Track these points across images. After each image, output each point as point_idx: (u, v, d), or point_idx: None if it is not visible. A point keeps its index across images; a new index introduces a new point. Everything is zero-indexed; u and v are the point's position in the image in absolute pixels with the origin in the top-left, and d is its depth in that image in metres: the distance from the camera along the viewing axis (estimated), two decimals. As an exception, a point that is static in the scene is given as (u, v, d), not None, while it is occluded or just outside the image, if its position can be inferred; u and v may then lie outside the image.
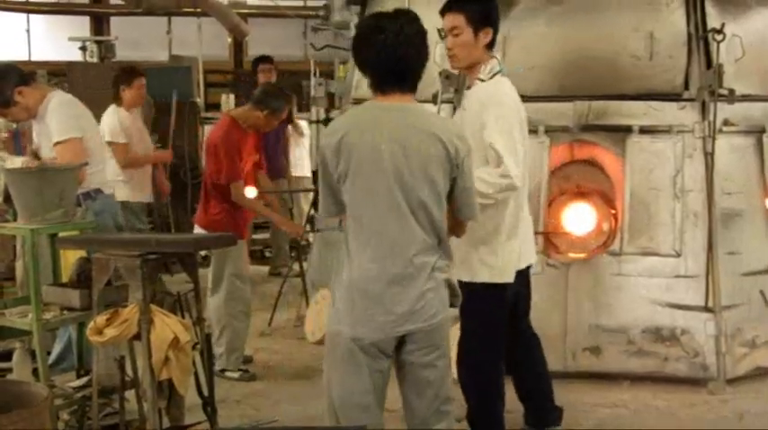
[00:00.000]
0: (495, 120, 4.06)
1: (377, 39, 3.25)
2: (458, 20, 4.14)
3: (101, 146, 5.46)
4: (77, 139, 5.13)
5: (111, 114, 7.22)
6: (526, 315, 4.59)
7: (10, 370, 4.73)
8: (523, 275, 4.39)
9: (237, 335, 5.81)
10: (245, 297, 5.84)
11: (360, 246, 3.26)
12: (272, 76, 8.83)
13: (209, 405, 4.25)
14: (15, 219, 4.94)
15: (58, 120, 5.13)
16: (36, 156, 5.38)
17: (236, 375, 5.74)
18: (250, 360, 6.09)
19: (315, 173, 9.12)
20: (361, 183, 3.23)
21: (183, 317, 4.32)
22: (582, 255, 5.62)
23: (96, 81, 10.49)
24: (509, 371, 4.52)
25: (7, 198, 5.51)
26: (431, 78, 5.94)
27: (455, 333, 5.62)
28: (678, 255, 5.57)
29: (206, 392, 4.26)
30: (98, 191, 5.32)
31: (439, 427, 3.40)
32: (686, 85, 5.68)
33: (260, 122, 5.86)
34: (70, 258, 4.82)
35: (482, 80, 4.20)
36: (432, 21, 6.04)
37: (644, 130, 5.60)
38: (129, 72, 7.48)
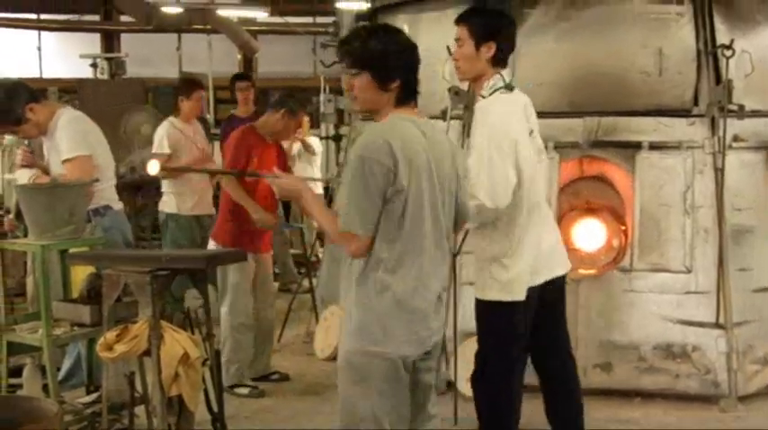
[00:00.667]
0: (475, 143, 4.08)
1: (412, 53, 3.32)
2: (462, 32, 4.16)
3: (110, 162, 5.47)
4: (86, 157, 5.15)
5: (163, 125, 7.26)
6: (556, 328, 4.44)
7: (20, 385, 4.74)
8: (550, 289, 4.27)
9: (238, 347, 5.74)
10: (246, 309, 5.78)
11: (406, 263, 3.19)
12: (250, 94, 8.36)
13: (218, 421, 4.25)
14: (26, 236, 4.96)
15: (67, 138, 5.15)
16: (45, 172, 5.40)
17: (245, 391, 5.72)
18: (285, 377, 6.08)
19: (326, 189, 9.12)
20: (416, 198, 3.17)
21: (192, 333, 4.33)
22: (592, 272, 5.61)
23: (107, 98, 10.56)
24: (542, 388, 4.46)
25: (19, 214, 5.54)
26: (440, 94, 5.98)
27: (471, 346, 5.62)
28: (689, 272, 5.55)
29: (215, 408, 4.25)
30: (107, 207, 5.33)
31: (430, 428, 3.50)
32: (696, 101, 5.67)
33: (278, 126, 5.87)
34: (80, 274, 4.83)
35: (483, 96, 4.19)
36: (441, 37, 6.09)
37: (654, 146, 5.59)
38: (189, 84, 7.43)
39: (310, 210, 3.37)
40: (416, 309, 3.22)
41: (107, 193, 5.36)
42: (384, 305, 3.18)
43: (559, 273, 4.32)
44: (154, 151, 7.09)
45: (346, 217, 3.13)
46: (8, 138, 6.96)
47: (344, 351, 3.22)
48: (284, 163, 5.99)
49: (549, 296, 4.27)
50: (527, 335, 4.25)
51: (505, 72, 4.27)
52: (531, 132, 4.21)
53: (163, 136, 7.11)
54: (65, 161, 5.13)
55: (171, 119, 7.26)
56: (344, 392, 3.25)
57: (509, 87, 4.18)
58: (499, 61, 4.17)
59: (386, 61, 3.20)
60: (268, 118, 5.90)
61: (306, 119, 8.91)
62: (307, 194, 3.34)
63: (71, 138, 5.14)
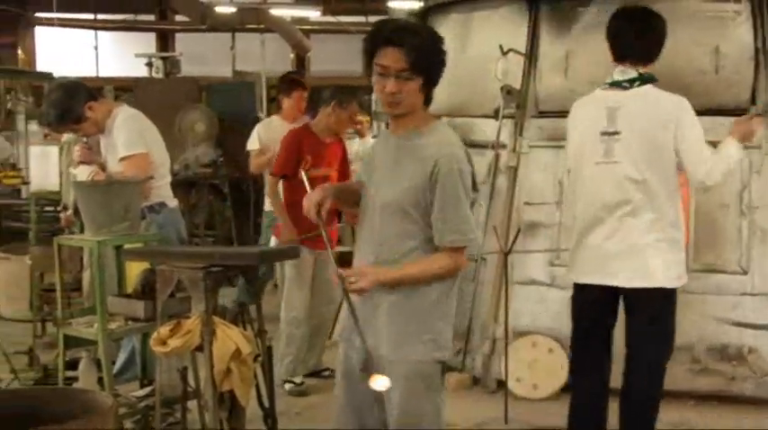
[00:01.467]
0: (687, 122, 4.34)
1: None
2: None
3: (165, 159, 5.53)
4: (143, 154, 5.21)
5: (261, 123, 7.37)
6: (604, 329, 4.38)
7: (76, 378, 4.81)
8: (606, 294, 4.23)
9: (291, 340, 5.78)
10: (300, 304, 5.81)
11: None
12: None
13: (269, 417, 4.28)
14: (82, 232, 5.03)
15: (124, 136, 5.22)
16: (103, 168, 5.48)
17: (287, 388, 5.75)
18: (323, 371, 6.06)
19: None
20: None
21: (245, 328, 4.36)
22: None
23: (162, 96, 10.68)
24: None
25: (77, 210, 5.62)
26: (492, 94, 5.96)
27: (522, 345, 5.60)
28: (745, 273, 5.47)
29: (267, 404, 4.28)
30: (162, 204, 5.38)
31: None
32: (753, 100, 5.58)
33: (330, 120, 5.88)
34: (134, 270, 4.89)
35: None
36: (494, 36, 6.07)
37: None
38: (289, 82, 7.37)
39: (400, 282, 3.03)
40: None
41: (162, 191, 5.42)
42: (454, 312, 3.17)
43: (592, 280, 4.25)
44: (247, 148, 7.18)
45: (462, 231, 3.01)
46: (66, 135, 7.06)
47: (415, 361, 3.04)
48: (344, 161, 6.00)
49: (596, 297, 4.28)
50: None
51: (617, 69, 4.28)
52: (612, 133, 4.16)
53: (255, 132, 7.17)
54: (122, 158, 5.21)
55: (273, 117, 7.30)
56: (414, 407, 3.05)
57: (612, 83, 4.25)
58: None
59: (442, 71, 3.11)
60: (321, 115, 5.92)
61: (365, 118, 8.87)
62: (385, 277, 3.01)
63: (128, 136, 5.21)
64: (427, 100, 3.11)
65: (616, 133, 4.16)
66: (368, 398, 3.08)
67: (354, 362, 3.12)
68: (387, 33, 2.98)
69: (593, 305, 4.31)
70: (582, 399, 4.46)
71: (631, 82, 4.22)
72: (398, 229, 3.05)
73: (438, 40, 3.10)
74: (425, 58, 3.00)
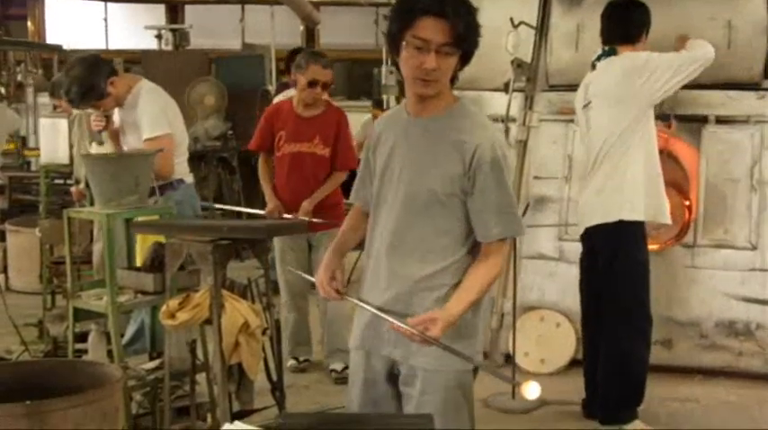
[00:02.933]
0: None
1: None
2: None
3: (184, 136, 5.49)
4: (167, 135, 5.17)
5: (280, 97, 7.30)
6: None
7: (86, 351, 4.84)
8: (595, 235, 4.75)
9: (286, 323, 5.59)
10: (281, 286, 5.71)
11: None
12: None
13: (277, 390, 4.30)
14: (92, 205, 5.04)
15: (148, 116, 5.16)
16: (116, 136, 5.44)
17: (289, 364, 5.67)
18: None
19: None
20: None
21: (253, 302, 4.38)
22: (654, 247, 5.53)
23: (171, 68, 10.65)
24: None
25: (88, 184, 5.62)
26: (503, 67, 5.93)
27: (530, 320, 5.61)
28: (754, 248, 5.46)
29: (275, 377, 4.30)
30: (180, 181, 5.36)
31: None
32: (766, 74, 5.55)
33: (299, 91, 5.60)
34: (146, 242, 4.90)
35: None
36: (504, 9, 6.03)
37: (721, 120, 5.50)
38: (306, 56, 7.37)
39: (469, 308, 2.75)
40: None
41: (181, 167, 5.39)
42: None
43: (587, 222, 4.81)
44: None
45: (515, 222, 2.79)
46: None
47: (455, 370, 2.79)
48: (340, 137, 5.58)
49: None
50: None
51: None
52: (586, 105, 4.87)
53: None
54: (146, 140, 5.17)
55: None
56: (452, 419, 2.83)
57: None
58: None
59: (478, 45, 2.79)
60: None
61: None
62: (456, 315, 2.70)
63: (153, 117, 5.15)
64: (453, 79, 2.81)
65: (589, 103, 4.82)
66: (390, 408, 2.92)
67: (379, 371, 2.91)
68: (427, 1, 2.63)
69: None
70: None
71: (598, 59, 4.88)
72: (429, 223, 2.77)
73: (475, 10, 2.76)
74: (469, 31, 2.69)
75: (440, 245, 2.78)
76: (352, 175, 3.34)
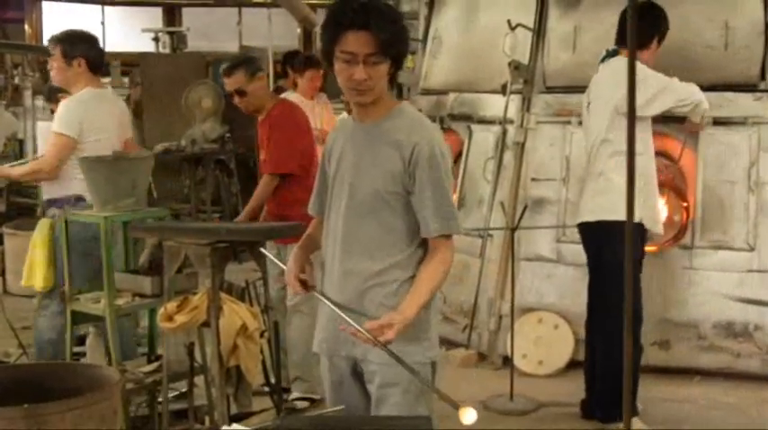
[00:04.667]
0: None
1: None
2: None
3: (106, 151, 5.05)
4: (68, 138, 4.99)
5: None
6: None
7: (84, 353, 4.84)
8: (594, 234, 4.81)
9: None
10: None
11: None
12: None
13: (275, 392, 4.30)
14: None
15: (65, 111, 5.07)
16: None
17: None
18: None
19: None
20: None
21: (251, 305, 4.38)
22: (652, 248, 5.54)
23: (168, 71, 10.66)
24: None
25: None
26: (500, 69, 5.94)
27: (528, 322, 5.61)
28: (752, 250, 5.46)
29: (273, 380, 4.30)
30: (81, 199, 5.04)
31: None
32: (762, 76, 5.55)
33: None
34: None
35: None
36: (502, 11, 6.04)
37: (718, 122, 5.49)
38: (303, 61, 7.26)
39: (416, 312, 2.77)
40: None
41: (82, 184, 5.00)
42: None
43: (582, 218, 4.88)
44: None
45: (452, 218, 2.85)
46: None
47: (411, 363, 2.77)
48: (266, 140, 5.11)
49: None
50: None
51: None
52: (587, 105, 4.88)
53: None
54: (52, 131, 5.13)
55: (290, 92, 7.12)
56: (411, 411, 2.88)
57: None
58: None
59: (408, 50, 2.96)
60: None
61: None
62: (411, 316, 2.74)
63: (67, 114, 5.04)
64: (391, 82, 2.89)
65: (589, 104, 4.89)
66: (361, 405, 2.96)
67: (344, 371, 2.97)
68: (350, 16, 2.72)
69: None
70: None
71: (602, 60, 4.93)
72: (375, 222, 2.85)
73: (400, 17, 2.87)
74: (394, 38, 2.76)
75: (388, 242, 2.87)
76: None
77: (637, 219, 4.68)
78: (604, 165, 4.73)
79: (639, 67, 4.71)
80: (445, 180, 2.85)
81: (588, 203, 4.84)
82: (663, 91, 4.73)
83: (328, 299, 2.89)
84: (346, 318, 2.75)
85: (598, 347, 4.78)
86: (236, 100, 5.12)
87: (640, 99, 4.66)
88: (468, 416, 2.51)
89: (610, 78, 4.77)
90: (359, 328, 2.69)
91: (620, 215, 4.63)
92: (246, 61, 5.19)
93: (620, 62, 4.76)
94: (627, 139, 1.74)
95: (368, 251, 2.86)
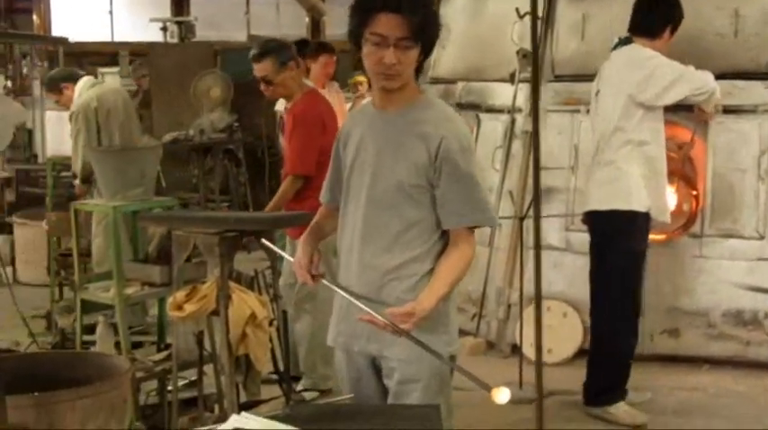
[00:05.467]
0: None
1: None
2: None
3: None
4: None
5: None
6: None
7: (94, 342, 4.86)
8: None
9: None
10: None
11: None
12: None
13: (284, 381, 4.31)
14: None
15: None
16: None
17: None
18: None
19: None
20: None
21: (260, 293, 4.38)
22: (661, 237, 5.53)
23: (176, 61, 10.66)
24: None
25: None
26: (508, 58, 5.92)
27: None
28: (762, 238, 5.44)
29: (282, 368, 4.31)
30: None
31: None
32: (772, 64, 5.52)
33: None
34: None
35: None
36: (509, 0, 6.01)
37: (728, 110, 5.47)
38: (316, 47, 7.23)
39: (434, 305, 2.73)
40: None
41: None
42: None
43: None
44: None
45: (486, 210, 2.82)
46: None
47: (431, 359, 2.73)
48: (290, 132, 4.98)
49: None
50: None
51: None
52: (597, 93, 4.85)
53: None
54: None
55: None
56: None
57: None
58: None
59: (438, 37, 2.84)
60: None
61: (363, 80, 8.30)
62: (430, 306, 2.70)
63: None
64: (418, 71, 2.83)
65: (598, 92, 4.88)
66: (378, 399, 2.93)
67: (361, 366, 2.92)
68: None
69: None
70: None
71: (614, 48, 4.88)
72: (397, 215, 2.79)
73: (431, 2, 2.86)
74: (426, 23, 2.72)
75: (408, 235, 2.80)
76: None
77: (645, 208, 4.68)
78: (615, 154, 4.72)
79: (654, 54, 4.70)
80: (474, 172, 2.79)
81: (596, 192, 4.83)
82: (679, 80, 4.71)
83: (338, 286, 2.86)
84: (362, 305, 2.71)
85: (592, 332, 4.88)
86: (263, 86, 4.98)
87: (656, 88, 4.66)
88: (502, 395, 2.49)
89: (623, 66, 4.75)
90: (376, 315, 2.65)
91: (630, 205, 4.66)
92: (277, 50, 4.93)
93: (634, 50, 4.74)
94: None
95: (388, 244, 2.80)
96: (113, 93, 6.41)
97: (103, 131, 6.06)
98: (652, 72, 4.66)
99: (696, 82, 4.78)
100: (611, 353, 4.79)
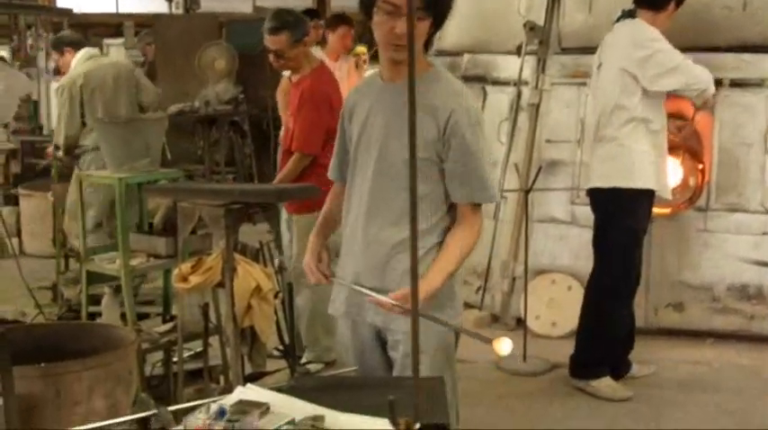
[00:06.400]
0: None
1: None
2: None
3: None
4: None
5: None
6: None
7: (99, 313, 4.87)
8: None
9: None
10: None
11: None
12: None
13: (289, 353, 4.32)
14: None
15: None
16: None
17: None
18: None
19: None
20: None
21: (265, 266, 4.39)
22: (666, 211, 5.52)
23: (182, 32, 10.62)
24: None
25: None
26: (515, 30, 5.89)
27: (541, 283, 5.62)
28: (767, 212, 5.43)
29: (287, 340, 4.32)
30: None
31: None
32: (780, 37, 5.49)
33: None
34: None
35: None
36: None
37: (735, 84, 5.45)
38: (334, 17, 7.22)
39: (442, 281, 2.74)
40: None
41: None
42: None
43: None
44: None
45: (488, 187, 2.79)
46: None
47: (436, 331, 2.76)
48: (297, 109, 4.94)
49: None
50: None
51: None
52: (599, 66, 4.83)
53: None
54: None
55: (315, 48, 6.76)
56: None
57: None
58: None
59: (450, 10, 2.81)
60: None
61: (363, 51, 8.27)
62: (435, 286, 2.72)
63: None
64: (427, 44, 2.82)
65: (600, 65, 4.83)
66: (383, 371, 2.94)
67: (366, 338, 2.92)
68: None
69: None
70: None
71: (618, 20, 4.81)
72: (403, 188, 2.68)
73: None
74: None
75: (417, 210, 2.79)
76: None
77: (649, 185, 4.66)
78: (618, 131, 4.68)
79: (657, 37, 4.65)
80: (481, 148, 2.77)
81: (598, 169, 4.80)
82: (675, 70, 4.64)
83: (350, 283, 2.84)
84: (370, 293, 2.72)
85: (584, 305, 4.87)
86: (272, 58, 4.95)
87: (652, 71, 4.61)
88: (504, 345, 2.47)
89: (625, 43, 4.70)
90: (383, 298, 2.66)
91: (633, 182, 4.64)
92: (294, 25, 4.89)
93: (636, 25, 4.70)
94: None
95: (394, 217, 2.78)
96: (106, 68, 6.39)
97: (87, 108, 6.10)
98: (652, 55, 4.61)
99: (689, 77, 4.68)
100: (602, 328, 4.78)
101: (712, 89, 4.81)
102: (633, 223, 4.71)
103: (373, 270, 2.81)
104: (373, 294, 2.71)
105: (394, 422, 1.75)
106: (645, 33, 4.66)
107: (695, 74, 4.71)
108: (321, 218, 3.09)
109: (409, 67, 1.70)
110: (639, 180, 4.65)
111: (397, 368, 2.88)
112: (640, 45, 4.64)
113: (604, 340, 4.78)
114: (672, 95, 4.85)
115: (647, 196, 4.68)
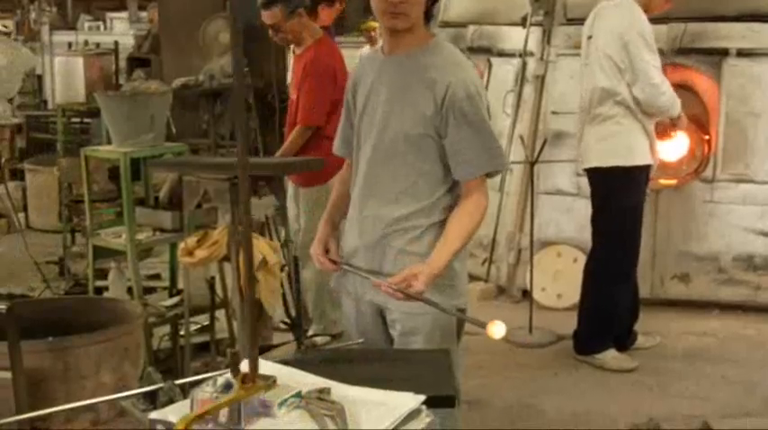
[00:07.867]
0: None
1: None
2: None
3: None
4: None
5: None
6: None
7: (106, 288, 4.89)
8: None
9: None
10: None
11: None
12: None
13: (296, 325, 4.34)
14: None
15: None
16: None
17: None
18: None
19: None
20: None
21: (271, 238, 4.40)
22: (673, 182, 5.51)
23: (186, 5, 10.57)
24: None
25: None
26: (520, 1, 5.85)
27: (547, 255, 5.62)
28: (773, 183, 5.42)
29: (293, 313, 4.33)
30: None
31: None
32: (789, 5, 5.45)
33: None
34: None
35: None
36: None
37: (742, 53, 5.41)
38: None
39: (447, 261, 2.68)
40: None
41: None
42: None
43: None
44: None
45: (498, 155, 2.75)
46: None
47: (433, 312, 2.69)
48: (301, 82, 4.92)
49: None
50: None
51: None
52: (589, 37, 4.73)
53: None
54: None
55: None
56: None
57: None
58: None
59: None
60: None
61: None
62: (440, 266, 2.66)
63: None
64: (428, 15, 2.74)
65: (590, 37, 4.71)
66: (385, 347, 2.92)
67: (368, 316, 2.89)
68: None
69: None
70: None
71: None
72: (402, 165, 2.71)
73: None
74: None
75: (414, 187, 2.73)
76: None
77: (647, 161, 4.63)
78: (611, 110, 4.60)
79: (642, 26, 4.54)
80: (482, 118, 2.69)
81: (594, 148, 4.72)
82: (639, 72, 4.50)
83: (357, 269, 2.81)
84: (375, 279, 2.70)
85: (584, 281, 4.86)
86: (271, 32, 4.94)
87: (625, 62, 4.54)
88: (497, 329, 2.47)
89: (612, 25, 4.58)
90: (380, 283, 2.64)
91: (634, 160, 4.60)
92: None
93: (628, 10, 4.56)
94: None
95: (392, 194, 2.73)
96: None
97: None
98: (628, 44, 4.49)
99: (647, 86, 4.50)
100: (603, 302, 4.78)
101: (674, 111, 4.65)
102: (634, 200, 4.68)
103: (369, 246, 2.79)
104: (374, 279, 2.69)
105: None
106: (631, 19, 4.52)
107: (663, 101, 4.56)
108: (330, 204, 3.03)
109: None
110: (638, 157, 4.61)
111: (396, 346, 2.86)
112: (625, 32, 4.51)
113: (606, 316, 4.78)
114: (680, 66, 4.81)
115: (645, 171, 4.65)
